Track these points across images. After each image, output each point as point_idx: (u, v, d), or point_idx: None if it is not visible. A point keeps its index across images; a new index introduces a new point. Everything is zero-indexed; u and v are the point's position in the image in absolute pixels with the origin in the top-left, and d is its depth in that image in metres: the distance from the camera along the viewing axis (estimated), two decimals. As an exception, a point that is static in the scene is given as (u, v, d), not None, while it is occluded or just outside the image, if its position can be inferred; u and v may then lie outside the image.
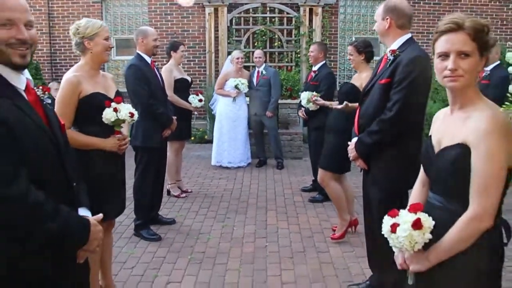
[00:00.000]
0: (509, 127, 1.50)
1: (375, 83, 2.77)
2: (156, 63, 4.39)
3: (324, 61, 5.41)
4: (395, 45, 2.68)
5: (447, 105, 1.68)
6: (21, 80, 1.47)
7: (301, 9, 8.76)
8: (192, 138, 7.68)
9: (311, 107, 5.07)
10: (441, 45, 1.53)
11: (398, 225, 1.49)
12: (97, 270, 2.80)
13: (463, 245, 1.48)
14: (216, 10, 8.73)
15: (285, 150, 7.22)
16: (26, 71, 1.51)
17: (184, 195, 5.38)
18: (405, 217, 1.50)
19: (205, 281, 3.32)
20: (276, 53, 9.07)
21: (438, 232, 1.51)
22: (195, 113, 6.06)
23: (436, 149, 1.62)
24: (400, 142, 2.64)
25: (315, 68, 5.43)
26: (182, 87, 5.23)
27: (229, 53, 7.70)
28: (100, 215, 1.65)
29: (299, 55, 8.92)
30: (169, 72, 5.08)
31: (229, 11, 8.76)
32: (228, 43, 8.80)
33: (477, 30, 1.49)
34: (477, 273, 1.51)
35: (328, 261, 3.64)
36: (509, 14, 9.42)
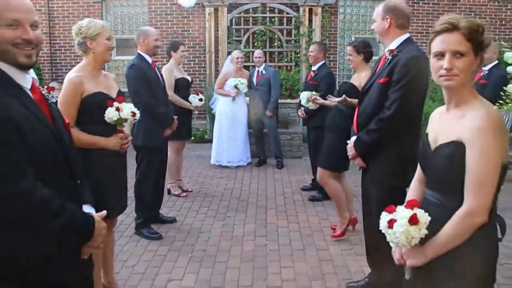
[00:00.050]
0: (503, 125, 1.54)
1: (373, 82, 2.80)
2: (157, 63, 4.42)
3: (323, 61, 5.45)
4: (393, 45, 2.72)
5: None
6: (27, 80, 1.50)
7: (301, 9, 8.80)
8: (192, 138, 7.71)
9: (311, 106, 5.10)
10: (437, 45, 1.57)
11: (395, 220, 1.53)
12: (99, 268, 2.83)
13: (458, 239, 1.52)
14: (216, 10, 8.77)
15: (284, 150, 7.25)
16: (31, 71, 1.55)
17: (184, 194, 5.40)
18: (401, 213, 1.54)
19: (205, 278, 3.36)
20: (276, 53, 9.10)
21: (434, 228, 1.54)
22: (195, 112, 6.09)
23: (432, 147, 1.66)
24: (398, 140, 2.67)
25: (314, 67, 5.46)
26: (183, 86, 5.25)
27: (229, 53, 7.73)
28: (104, 212, 1.68)
29: (298, 55, 8.95)
30: (170, 72, 5.11)
31: (229, 11, 8.79)
32: (228, 43, 8.84)
33: (472, 30, 1.53)
34: (473, 268, 1.55)
35: (328, 259, 3.67)
36: (508, 14, 9.46)
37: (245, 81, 6.56)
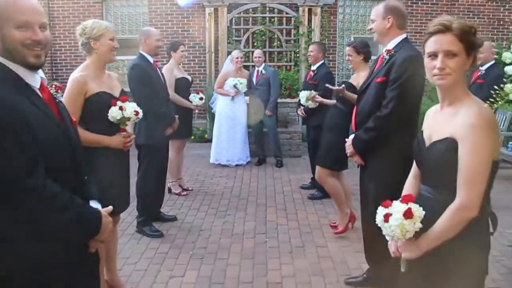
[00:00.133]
0: (495, 123, 1.60)
1: (371, 81, 2.86)
2: (157, 63, 4.47)
3: (322, 61, 5.50)
4: (390, 45, 2.78)
5: None
6: (36, 79, 1.55)
7: (300, 9, 8.85)
8: (192, 137, 7.76)
9: (310, 105, 5.16)
10: (430, 45, 1.63)
11: (391, 215, 1.59)
12: (102, 264, 2.88)
13: (451, 233, 1.58)
14: (216, 10, 8.81)
15: (284, 149, 7.31)
16: (40, 71, 1.60)
17: (185, 193, 5.45)
18: (397, 207, 1.60)
19: (206, 275, 3.41)
20: (276, 53, 9.14)
21: (429, 222, 1.60)
22: (196, 111, 6.13)
23: (427, 143, 1.72)
24: (396, 138, 2.72)
25: (314, 67, 5.50)
26: (183, 86, 5.30)
27: (229, 53, 7.77)
28: (110, 208, 1.74)
29: (298, 55, 9.00)
30: (170, 71, 5.15)
31: (229, 11, 8.83)
32: (228, 43, 8.88)
33: (464, 31, 1.59)
34: (466, 260, 1.60)
35: (327, 255, 3.73)
36: (506, 14, 9.51)
37: (244, 81, 6.60)
